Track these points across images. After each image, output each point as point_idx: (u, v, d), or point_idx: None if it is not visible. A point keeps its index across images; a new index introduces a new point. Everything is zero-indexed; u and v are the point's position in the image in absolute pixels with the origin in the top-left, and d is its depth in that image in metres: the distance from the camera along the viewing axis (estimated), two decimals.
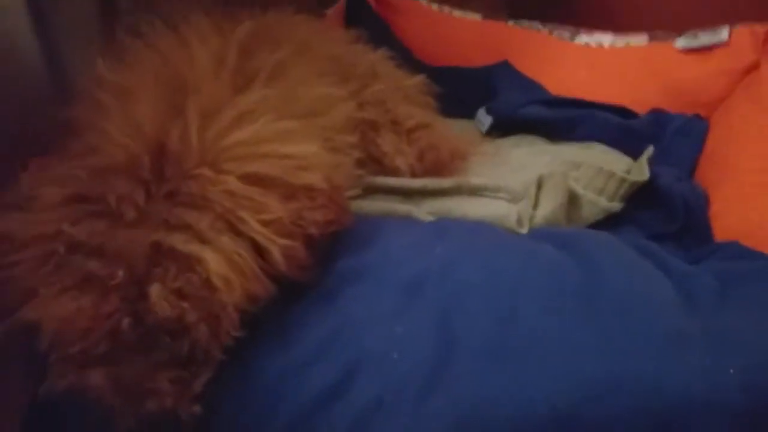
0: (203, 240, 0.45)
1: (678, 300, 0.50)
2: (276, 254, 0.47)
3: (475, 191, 0.72)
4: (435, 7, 1.14)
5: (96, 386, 0.45)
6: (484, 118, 0.93)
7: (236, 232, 0.46)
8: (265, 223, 0.47)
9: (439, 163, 0.76)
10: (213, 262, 0.44)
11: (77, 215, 0.45)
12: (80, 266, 0.43)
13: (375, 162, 0.74)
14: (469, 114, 0.96)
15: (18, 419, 0.57)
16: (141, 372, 0.45)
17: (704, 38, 0.92)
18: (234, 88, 0.54)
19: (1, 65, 0.62)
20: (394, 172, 0.74)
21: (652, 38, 0.98)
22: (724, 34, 0.90)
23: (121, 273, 0.43)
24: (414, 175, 0.74)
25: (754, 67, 0.87)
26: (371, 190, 0.72)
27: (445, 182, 0.72)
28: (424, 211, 0.70)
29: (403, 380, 0.45)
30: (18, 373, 0.59)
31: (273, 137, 0.51)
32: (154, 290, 0.43)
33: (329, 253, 0.54)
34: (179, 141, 0.48)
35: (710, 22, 0.93)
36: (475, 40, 1.09)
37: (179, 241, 0.44)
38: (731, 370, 0.41)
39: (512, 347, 0.45)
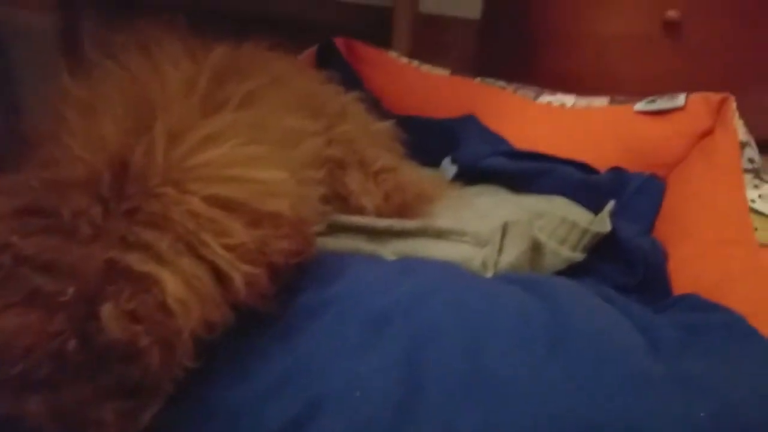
0: (161, 261, 0.43)
1: (642, 343, 0.49)
2: (237, 281, 0.45)
3: (440, 234, 0.71)
4: (404, 60, 1.17)
5: (34, 414, 0.42)
6: (449, 167, 0.94)
7: (197, 255, 0.44)
8: (229, 248, 0.46)
9: (405, 205, 0.75)
10: (171, 283, 0.42)
11: (27, 228, 0.43)
12: (27, 281, 0.41)
13: (341, 200, 0.74)
14: (434, 163, 0.97)
15: None
16: (84, 400, 0.42)
17: (662, 103, 0.96)
18: (203, 112, 0.53)
19: None
20: (360, 211, 0.73)
21: (612, 101, 1.02)
22: (680, 99, 0.94)
23: (71, 290, 0.40)
24: (380, 215, 0.73)
25: (708, 132, 0.91)
26: (336, 229, 0.71)
27: (410, 224, 0.72)
28: (389, 251, 0.69)
29: (368, 421, 0.43)
30: None
31: (241, 161, 0.50)
32: (106, 310, 0.40)
33: (292, 285, 0.53)
34: (143, 159, 0.46)
35: (669, 90, 0.98)
36: (442, 94, 1.11)
37: (136, 261, 0.42)
38: (702, 414, 0.41)
39: (482, 386, 0.44)
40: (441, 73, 1.14)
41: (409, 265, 0.59)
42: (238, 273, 0.45)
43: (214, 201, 0.46)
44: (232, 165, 0.49)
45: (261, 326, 0.49)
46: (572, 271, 0.71)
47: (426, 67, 1.15)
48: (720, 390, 0.44)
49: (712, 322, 0.58)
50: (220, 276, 0.45)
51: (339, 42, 1.16)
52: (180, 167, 0.47)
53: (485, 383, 0.45)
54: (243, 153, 0.50)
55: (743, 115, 0.89)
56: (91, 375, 0.42)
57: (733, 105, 0.90)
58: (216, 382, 0.46)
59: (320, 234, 0.66)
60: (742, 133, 0.86)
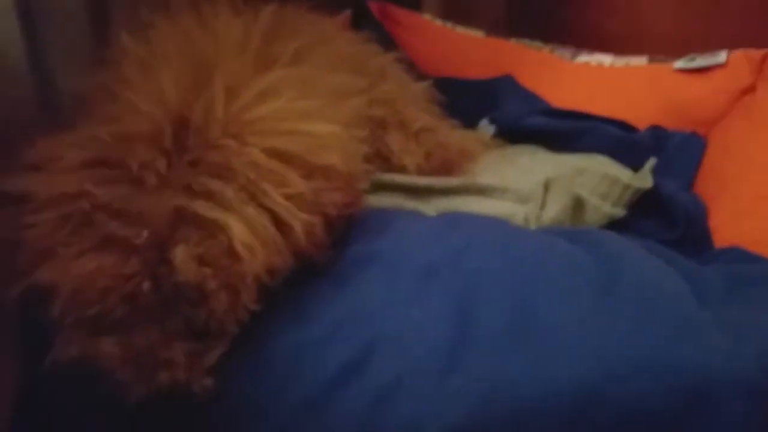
0: (227, 208, 0.45)
1: (688, 291, 0.50)
2: (297, 228, 0.47)
3: (482, 191, 0.72)
4: (438, 22, 1.16)
5: (107, 355, 0.44)
6: (487, 129, 0.94)
7: (259, 203, 0.46)
8: (288, 197, 0.47)
9: (446, 163, 0.76)
10: (237, 229, 0.44)
11: (99, 178, 0.45)
12: (102, 227, 0.43)
13: (382, 159, 0.75)
14: (471, 124, 0.97)
15: (8, 398, 0.56)
16: (155, 341, 0.44)
17: (702, 60, 0.94)
18: (256, 69, 0.54)
19: None
20: (402, 170, 0.74)
21: (651, 60, 1.01)
22: (721, 57, 0.93)
23: (144, 233, 0.42)
24: (421, 173, 0.74)
25: (750, 89, 0.90)
26: (378, 187, 0.72)
27: (452, 181, 0.73)
28: (431, 208, 0.70)
29: (422, 360, 0.45)
30: (8, 351, 0.58)
31: (295, 115, 0.51)
32: (178, 252, 0.42)
33: (344, 238, 0.54)
34: (203, 113, 0.48)
35: (709, 48, 0.96)
36: (477, 55, 1.11)
37: (202, 208, 0.44)
38: (748, 351, 0.42)
39: (532, 330, 0.45)
40: (476, 34, 1.13)
41: (455, 218, 0.61)
42: (298, 221, 0.47)
43: (272, 153, 0.48)
44: (287, 118, 0.50)
45: (317, 276, 0.51)
46: (613, 227, 0.72)
47: (460, 29, 1.15)
48: (764, 331, 0.45)
49: (756, 273, 0.58)
50: (280, 224, 0.47)
51: (372, 6, 1.16)
52: (239, 121, 0.48)
53: (534, 329, 0.46)
54: (296, 107, 0.52)
55: None
56: (162, 317, 0.44)
57: None
58: (277, 326, 0.48)
59: (364, 193, 0.67)
60: None
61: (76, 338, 0.45)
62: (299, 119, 0.51)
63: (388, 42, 1.07)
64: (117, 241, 0.42)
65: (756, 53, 0.91)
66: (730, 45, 0.95)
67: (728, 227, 0.74)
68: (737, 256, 0.64)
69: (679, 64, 0.96)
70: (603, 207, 0.71)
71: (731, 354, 0.42)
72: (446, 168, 0.77)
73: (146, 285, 0.42)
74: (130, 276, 0.42)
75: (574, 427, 0.41)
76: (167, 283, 0.43)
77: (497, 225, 0.59)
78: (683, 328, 0.44)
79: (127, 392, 0.44)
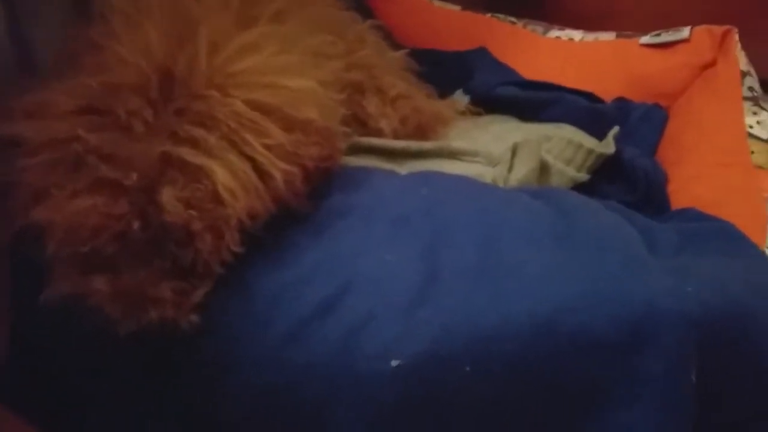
0: (211, 154, 0.47)
1: (641, 241, 0.54)
2: (277, 177, 0.50)
3: (454, 154, 0.76)
4: None
5: (98, 292, 0.47)
6: (461, 98, 0.98)
7: (240, 151, 0.49)
8: (268, 147, 0.50)
9: (420, 128, 0.79)
10: (220, 174, 0.47)
11: (90, 124, 0.47)
12: (94, 170, 0.45)
13: (359, 123, 0.77)
14: (447, 94, 1.00)
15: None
16: (144, 280, 0.47)
17: (667, 36, 0.99)
18: (238, 26, 0.57)
19: None
20: (378, 134, 0.77)
21: (619, 35, 1.04)
22: (685, 32, 0.97)
23: (134, 176, 0.45)
24: (397, 137, 0.77)
25: (711, 64, 0.94)
26: (356, 149, 0.75)
27: (426, 144, 0.76)
28: (405, 170, 0.73)
29: (394, 296, 0.48)
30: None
31: (275, 69, 0.54)
32: (165, 194, 0.45)
33: (323, 191, 0.57)
34: (187, 65, 0.51)
35: (673, 26, 1.00)
36: (453, 28, 1.14)
37: (188, 153, 0.47)
38: (689, 289, 0.46)
39: (494, 270, 0.49)
40: (452, 8, 1.16)
41: (427, 175, 0.64)
42: (277, 170, 0.50)
43: (253, 104, 0.50)
44: (268, 72, 0.53)
45: (296, 223, 0.54)
46: (578, 190, 0.76)
47: (438, 3, 1.18)
48: (709, 274, 0.49)
49: (706, 229, 0.63)
50: (261, 172, 0.50)
51: None
52: (222, 73, 0.51)
53: (496, 269, 0.50)
54: (277, 62, 0.54)
55: (745, 47, 0.92)
56: (150, 257, 0.47)
57: (736, 37, 0.93)
58: (259, 268, 0.51)
59: (342, 152, 0.70)
60: (743, 63, 0.90)
61: (68, 276, 0.48)
62: (279, 73, 0.54)
63: (365, 10, 1.10)
64: (108, 183, 0.45)
65: (717, 29, 0.95)
66: (694, 21, 0.99)
67: (685, 191, 0.79)
68: (691, 215, 0.69)
69: (645, 39, 1.00)
70: (568, 171, 0.75)
71: (673, 289, 0.46)
72: (421, 132, 0.80)
73: (135, 224, 0.45)
74: (121, 216, 0.45)
75: (529, 354, 0.44)
76: (155, 223, 0.46)
77: (465, 181, 0.62)
78: (631, 267, 0.48)
79: (117, 328, 0.47)
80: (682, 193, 0.79)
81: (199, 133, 0.48)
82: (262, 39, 0.55)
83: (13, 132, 0.47)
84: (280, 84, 0.53)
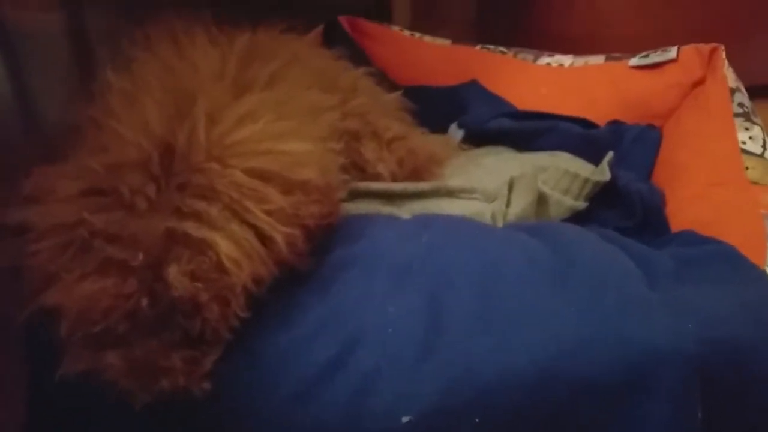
0: (214, 227, 0.49)
1: (639, 274, 0.55)
2: (279, 241, 0.51)
3: (452, 193, 0.77)
4: (406, 33, 1.21)
5: (112, 366, 0.49)
6: (456, 133, 1.00)
7: (242, 220, 0.51)
8: (269, 213, 0.52)
9: (417, 169, 0.81)
10: (224, 246, 0.48)
11: (94, 206, 0.49)
12: (101, 251, 0.47)
13: (357, 169, 0.79)
14: (442, 129, 1.02)
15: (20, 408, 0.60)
16: (155, 352, 0.48)
17: (655, 56, 1.00)
18: (234, 94, 0.59)
19: None
20: (376, 178, 0.79)
21: (608, 58, 1.06)
22: (672, 52, 0.99)
23: (140, 255, 0.46)
24: (395, 180, 0.79)
25: (700, 82, 0.96)
26: (355, 195, 0.77)
27: (423, 185, 0.78)
28: (406, 212, 0.75)
29: (399, 350, 0.50)
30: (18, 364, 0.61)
31: (272, 136, 0.55)
32: (172, 271, 0.46)
33: (325, 245, 0.59)
34: (186, 139, 0.52)
35: (662, 44, 1.02)
36: (444, 63, 1.16)
37: (192, 228, 0.48)
38: (689, 325, 0.47)
39: (495, 317, 0.50)
40: (443, 43, 1.19)
41: (426, 219, 0.65)
42: (279, 234, 0.51)
43: (252, 173, 0.52)
44: (265, 140, 0.55)
45: (300, 281, 0.56)
46: (576, 218, 0.77)
47: (428, 39, 1.20)
48: (708, 306, 0.50)
49: (705, 253, 0.64)
50: (263, 238, 0.51)
51: (343, 20, 1.21)
52: (220, 144, 0.52)
53: (496, 316, 0.51)
54: (273, 129, 0.56)
55: (732, 63, 0.93)
56: (160, 330, 0.49)
57: (723, 54, 0.94)
58: (266, 330, 0.52)
59: (342, 200, 0.72)
60: (731, 80, 0.91)
61: (82, 354, 0.49)
62: (276, 140, 0.55)
63: (359, 55, 1.12)
64: (115, 264, 0.47)
65: (705, 47, 0.97)
66: (681, 41, 1.01)
67: (682, 212, 0.80)
68: (688, 239, 0.69)
69: (634, 61, 1.01)
70: (565, 201, 0.77)
71: (673, 329, 0.47)
72: (417, 173, 0.82)
73: (144, 302, 0.46)
74: (130, 295, 0.46)
75: (534, 402, 0.45)
76: (163, 298, 0.47)
77: (464, 223, 0.64)
78: (629, 306, 0.49)
79: (132, 399, 0.49)
80: (679, 215, 0.80)
81: (201, 206, 0.49)
82: (258, 106, 0.57)
83: (20, 218, 0.49)
84: (277, 149, 0.55)
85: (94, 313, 0.46)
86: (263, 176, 0.53)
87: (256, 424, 0.49)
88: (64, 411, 0.56)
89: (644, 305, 0.49)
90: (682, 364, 0.45)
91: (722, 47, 0.95)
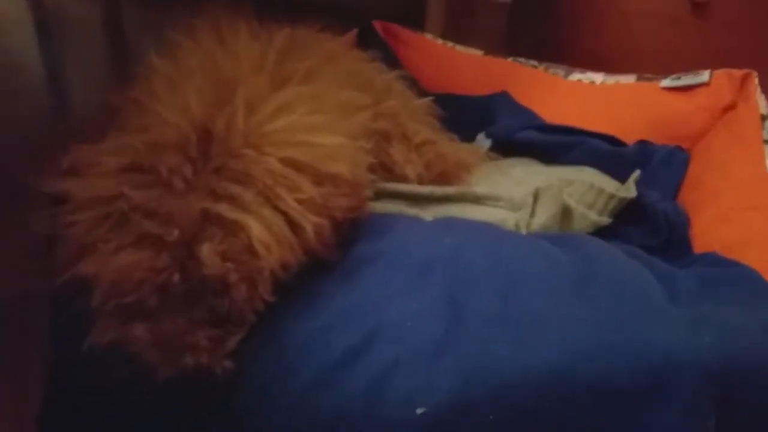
0: (247, 210, 0.50)
1: (661, 290, 0.56)
2: (308, 229, 0.53)
3: (477, 199, 0.78)
4: (440, 41, 1.23)
5: (139, 339, 0.50)
6: (483, 142, 1.00)
7: (274, 206, 0.52)
8: (300, 201, 0.53)
9: (445, 173, 0.82)
10: (255, 229, 0.49)
11: (133, 182, 0.50)
12: (138, 226, 0.48)
13: (385, 170, 0.80)
14: (469, 138, 1.03)
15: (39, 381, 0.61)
16: (182, 328, 0.50)
17: (687, 79, 1.01)
18: (272, 86, 0.60)
19: (7, 79, 0.67)
20: (403, 179, 0.80)
21: (640, 78, 1.07)
22: (705, 76, 0.99)
23: (175, 232, 0.48)
24: (421, 183, 0.80)
25: (731, 107, 0.96)
26: (382, 195, 0.78)
27: (450, 189, 0.78)
28: (430, 215, 0.76)
29: (418, 344, 0.50)
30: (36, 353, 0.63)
31: (307, 128, 0.57)
32: (205, 249, 0.48)
33: (349, 239, 0.60)
34: (225, 125, 0.54)
35: (694, 67, 1.02)
36: (476, 73, 1.17)
37: (225, 210, 0.50)
38: (707, 339, 0.47)
39: (514, 318, 0.51)
40: (475, 53, 1.20)
41: (449, 222, 0.66)
42: (309, 223, 0.53)
43: (286, 162, 0.54)
44: (300, 131, 0.56)
45: (325, 272, 0.57)
46: (600, 234, 0.77)
47: (460, 48, 1.21)
48: (727, 323, 0.50)
49: (727, 275, 0.64)
50: (293, 225, 0.52)
51: (377, 25, 1.23)
52: (258, 133, 0.54)
53: (516, 318, 0.51)
54: (308, 121, 0.57)
55: (765, 90, 0.93)
56: (188, 307, 0.50)
57: (755, 81, 0.94)
58: (289, 315, 0.53)
59: (369, 199, 0.73)
60: (763, 107, 0.91)
61: (110, 324, 0.50)
62: (311, 132, 0.57)
63: (391, 59, 1.13)
64: (151, 239, 0.48)
65: (737, 73, 0.97)
66: (714, 64, 1.01)
67: (708, 234, 0.80)
68: (712, 260, 0.69)
69: (666, 82, 1.02)
70: (589, 215, 0.77)
71: (692, 340, 0.47)
72: (445, 178, 0.83)
73: (176, 277, 0.48)
74: (162, 269, 0.48)
75: (550, 403, 0.46)
76: (194, 275, 0.49)
77: (487, 228, 0.65)
78: (649, 316, 0.50)
79: (155, 374, 0.50)
80: (704, 237, 0.80)
81: (235, 189, 0.51)
82: (294, 99, 0.58)
83: (60, 189, 0.51)
84: (311, 142, 0.56)
85: (127, 284, 0.48)
86: (296, 166, 0.54)
87: (274, 408, 0.50)
88: (84, 386, 0.58)
89: (664, 316, 0.50)
90: (699, 375, 0.45)
91: (755, 73, 0.95)
